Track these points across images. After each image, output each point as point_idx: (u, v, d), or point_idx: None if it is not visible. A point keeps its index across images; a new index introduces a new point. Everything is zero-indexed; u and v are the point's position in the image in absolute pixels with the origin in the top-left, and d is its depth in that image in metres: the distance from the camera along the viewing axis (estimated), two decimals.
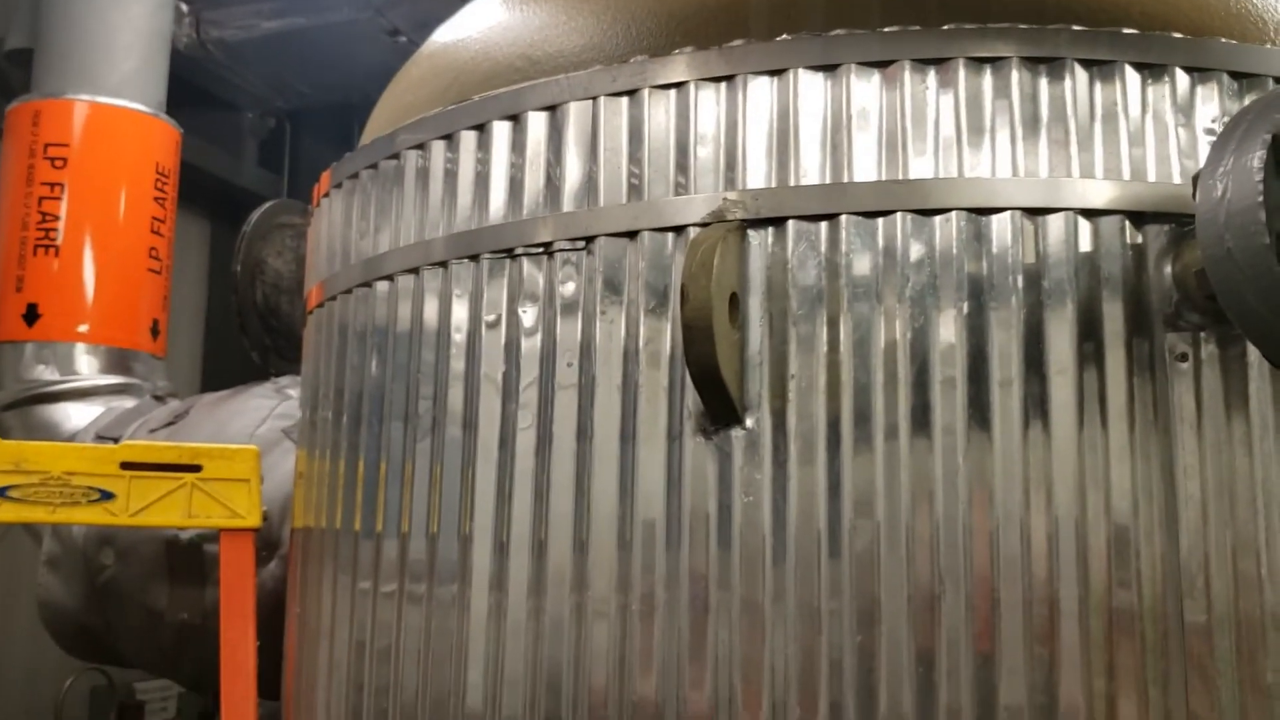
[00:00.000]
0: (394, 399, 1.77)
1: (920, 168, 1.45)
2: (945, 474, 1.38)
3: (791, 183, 1.49)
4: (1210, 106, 1.47)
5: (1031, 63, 1.45)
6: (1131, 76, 1.46)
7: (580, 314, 1.57)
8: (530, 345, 1.60)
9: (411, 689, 1.67)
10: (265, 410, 2.74)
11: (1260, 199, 1.16)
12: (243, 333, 2.97)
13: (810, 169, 1.48)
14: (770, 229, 1.48)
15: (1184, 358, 1.41)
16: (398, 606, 1.71)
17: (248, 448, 2.19)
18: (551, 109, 1.63)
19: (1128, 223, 1.42)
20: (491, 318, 1.64)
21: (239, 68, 4.71)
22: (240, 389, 2.93)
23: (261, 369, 3.25)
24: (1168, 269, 1.41)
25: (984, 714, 1.34)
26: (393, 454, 1.76)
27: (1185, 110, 1.46)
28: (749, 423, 1.46)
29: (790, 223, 1.47)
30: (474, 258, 1.67)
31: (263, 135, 5.36)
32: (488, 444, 1.62)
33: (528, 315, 1.61)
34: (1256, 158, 1.17)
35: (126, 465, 2.12)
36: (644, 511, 1.48)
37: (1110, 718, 1.34)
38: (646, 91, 1.57)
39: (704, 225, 1.49)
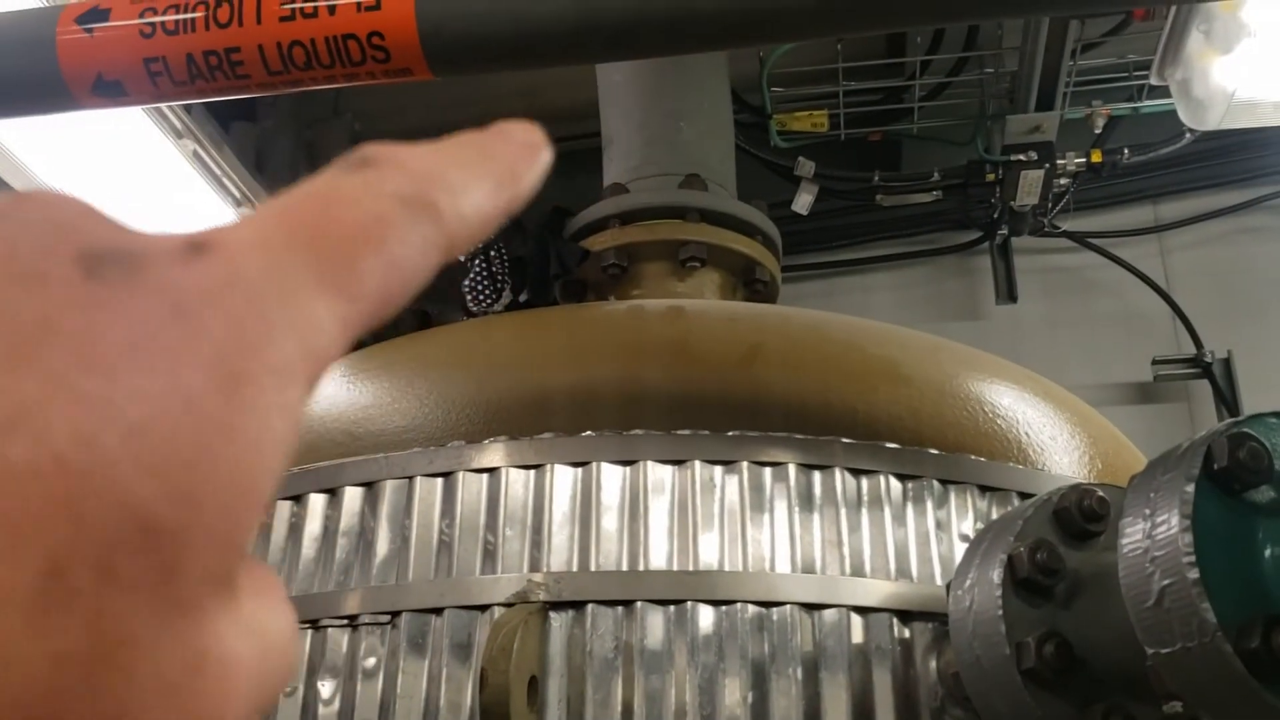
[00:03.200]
0: None
1: (709, 559, 1.57)
2: None
3: (592, 567, 1.58)
4: (964, 514, 1.66)
5: (807, 469, 1.62)
6: (894, 485, 1.64)
7: (380, 686, 1.58)
8: (328, 713, 1.60)
9: None
10: None
11: (1000, 613, 1.30)
12: None
13: (609, 554, 1.59)
14: (571, 611, 1.56)
15: None
16: None
17: None
18: (369, 485, 1.71)
19: (895, 620, 1.56)
20: (289, 689, 1.64)
21: None
22: None
23: None
24: (933, 664, 1.54)
25: None
26: None
27: (942, 519, 1.65)
28: None
29: (590, 606, 1.56)
30: None
31: None
32: None
33: (326, 687, 1.62)
34: (995, 575, 1.32)
35: None
36: None
37: None
38: (461, 474, 1.67)
39: (508, 605, 1.56)
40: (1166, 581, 1.09)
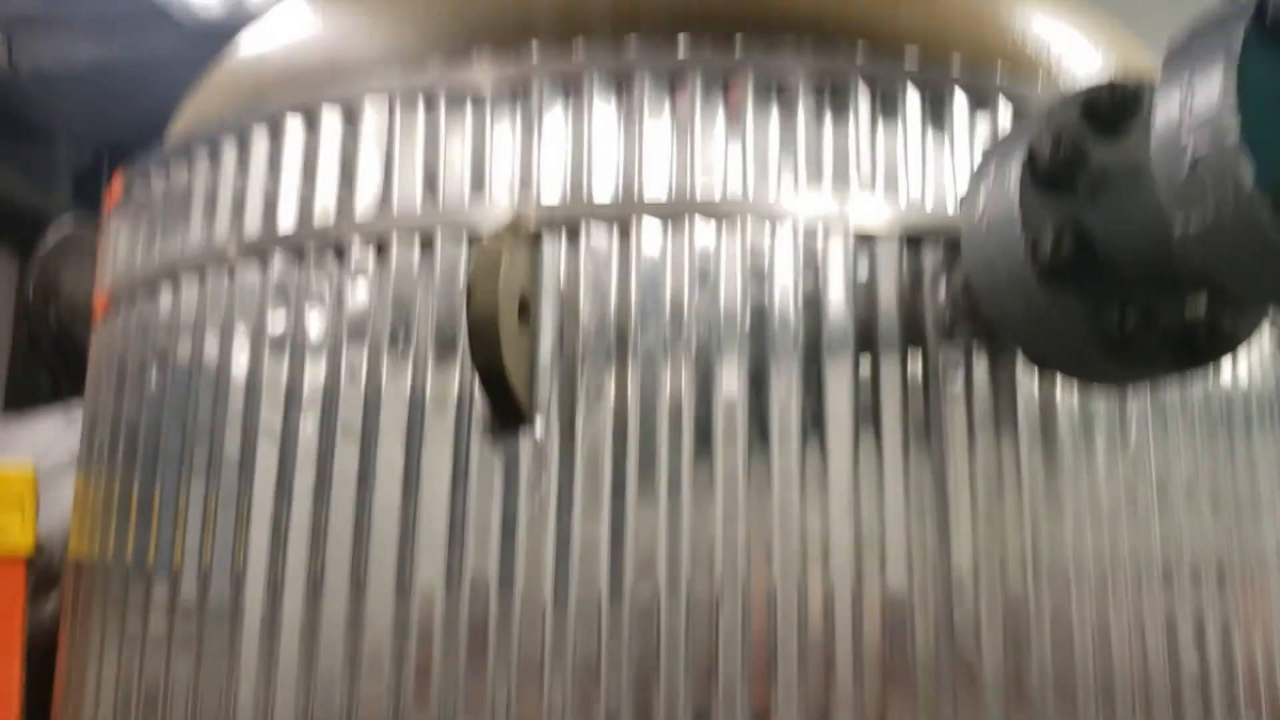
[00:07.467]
0: (173, 410, 1.70)
1: (708, 186, 1.47)
2: (725, 477, 1.39)
3: (585, 194, 1.49)
4: (986, 134, 1.54)
5: (817, 83, 1.49)
6: (912, 102, 1.52)
7: (370, 323, 1.53)
8: (316, 349, 1.56)
9: None
10: (52, 437, 2.60)
11: (1017, 208, 1.21)
12: (35, 357, 2.82)
13: (604, 182, 1.49)
14: (564, 238, 1.48)
15: (956, 373, 1.45)
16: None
17: (23, 469, 2.07)
18: (348, 111, 1.61)
19: (905, 245, 1.47)
20: (278, 326, 1.59)
21: (54, 97, 4.53)
22: (27, 415, 2.77)
23: (58, 399, 3.08)
24: (942, 288, 1.46)
25: None
26: (166, 483, 1.69)
27: (963, 137, 1.53)
28: (537, 429, 1.44)
29: (583, 232, 1.48)
30: (262, 262, 1.62)
31: (78, 168, 5.15)
32: (265, 473, 1.56)
33: (315, 323, 1.56)
34: (1014, 169, 1.22)
35: None
36: (428, 516, 1.45)
37: None
38: (443, 95, 1.55)
39: (497, 233, 1.48)
40: (1203, 145, 0.99)
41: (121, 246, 1.94)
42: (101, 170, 5.30)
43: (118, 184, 1.99)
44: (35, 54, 4.39)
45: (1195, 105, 0.99)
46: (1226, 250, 1.00)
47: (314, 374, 1.55)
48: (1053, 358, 1.25)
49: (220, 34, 4.04)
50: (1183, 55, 1.03)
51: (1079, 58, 1.71)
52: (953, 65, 1.53)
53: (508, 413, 1.42)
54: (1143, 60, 1.86)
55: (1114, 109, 1.23)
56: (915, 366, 1.45)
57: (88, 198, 5.28)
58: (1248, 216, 0.96)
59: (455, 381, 1.48)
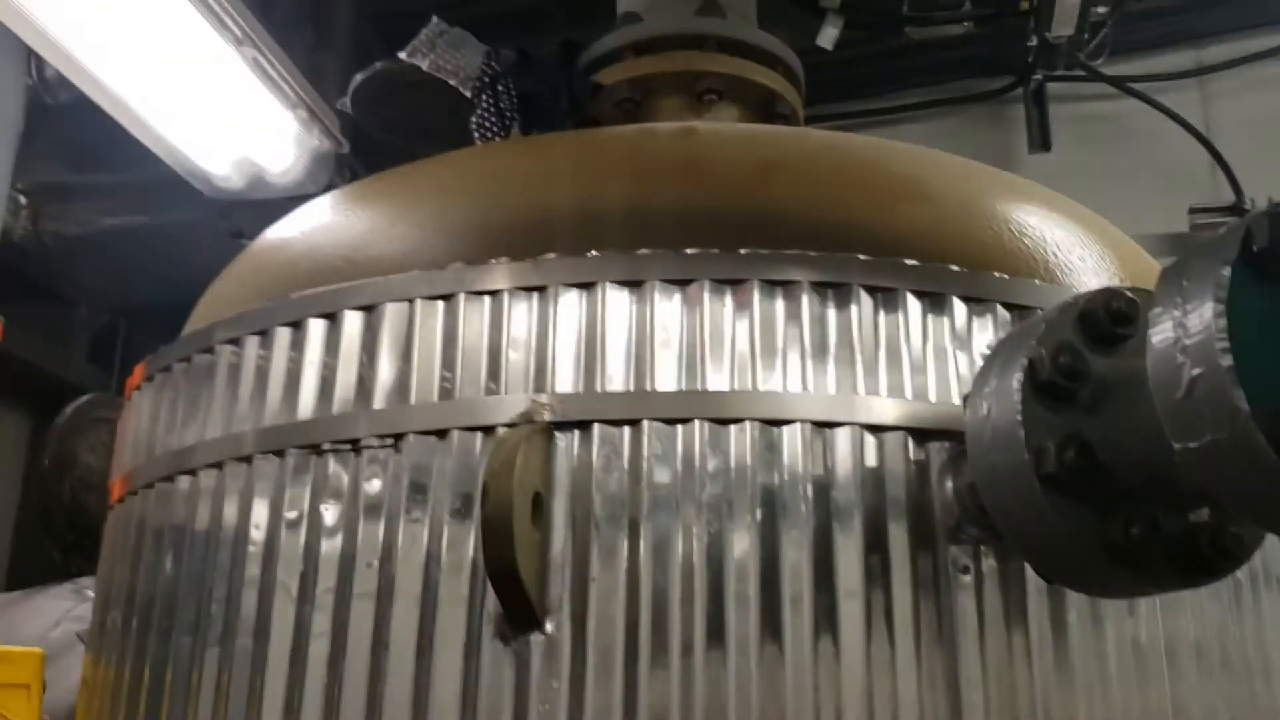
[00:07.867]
0: (186, 600, 1.70)
1: (717, 381, 1.51)
2: (739, 681, 1.39)
3: (598, 389, 1.53)
4: (986, 333, 1.58)
5: (821, 287, 1.55)
6: (913, 303, 1.57)
7: (384, 515, 1.55)
8: (330, 546, 1.57)
9: None
10: (60, 612, 2.59)
11: (1019, 418, 1.24)
12: (46, 530, 2.82)
13: (615, 377, 1.53)
14: (576, 432, 1.51)
15: (966, 570, 1.47)
16: None
17: (30, 650, 2.06)
18: (369, 309, 1.66)
19: (910, 439, 1.50)
20: (292, 515, 1.61)
21: (75, 261, 4.64)
22: (36, 589, 2.77)
23: (67, 571, 3.08)
24: (949, 483, 1.48)
25: None
26: (180, 658, 1.68)
27: (963, 336, 1.57)
28: (549, 627, 1.44)
29: (596, 426, 1.51)
30: (279, 453, 1.65)
31: (95, 330, 5.24)
32: (279, 649, 1.56)
33: (329, 514, 1.58)
34: (1015, 380, 1.26)
35: None
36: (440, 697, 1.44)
37: None
38: (462, 297, 1.61)
39: (513, 425, 1.51)
40: (1197, 371, 1.02)
41: (142, 430, 1.97)
42: (118, 331, 5.40)
43: (140, 369, 2.03)
44: (59, 220, 4.52)
45: (1189, 334, 1.03)
46: (1224, 470, 1.03)
47: (329, 550, 1.56)
48: (1059, 567, 1.26)
49: (239, 204, 4.16)
50: (1175, 283, 1.07)
51: (1074, 252, 1.77)
52: (950, 266, 1.59)
53: (519, 614, 1.42)
54: (1134, 254, 1.92)
55: (1110, 319, 1.27)
56: (925, 560, 1.46)
57: (103, 358, 5.36)
58: (1242, 440, 0.99)
59: (467, 569, 1.49)
